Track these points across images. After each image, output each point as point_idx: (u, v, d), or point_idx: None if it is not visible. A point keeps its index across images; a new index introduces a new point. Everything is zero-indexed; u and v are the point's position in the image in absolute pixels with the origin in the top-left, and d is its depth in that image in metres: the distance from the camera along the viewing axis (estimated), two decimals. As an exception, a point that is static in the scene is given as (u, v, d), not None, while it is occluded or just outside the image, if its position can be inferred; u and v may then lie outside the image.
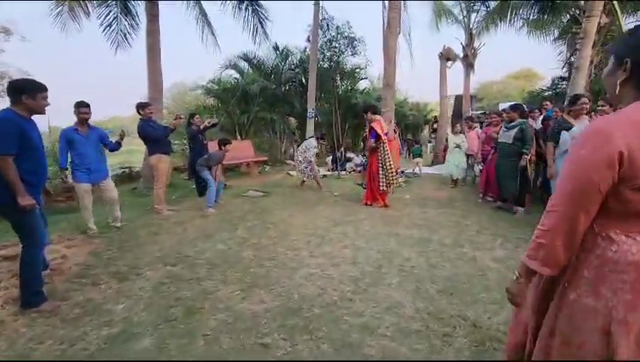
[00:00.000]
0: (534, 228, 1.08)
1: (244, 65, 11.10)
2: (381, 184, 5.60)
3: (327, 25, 11.43)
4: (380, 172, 5.61)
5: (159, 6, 7.58)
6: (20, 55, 46.53)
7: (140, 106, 4.88)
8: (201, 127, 6.26)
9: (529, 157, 4.52)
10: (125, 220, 4.84)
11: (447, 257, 3.38)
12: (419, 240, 3.91)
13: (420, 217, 4.86)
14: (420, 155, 9.51)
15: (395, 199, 5.96)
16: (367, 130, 5.69)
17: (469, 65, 13.30)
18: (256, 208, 5.53)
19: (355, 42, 11.97)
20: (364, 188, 5.92)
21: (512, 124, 4.63)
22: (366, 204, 5.64)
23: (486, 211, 5.10)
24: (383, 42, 7.03)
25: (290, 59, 11.67)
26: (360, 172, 7.22)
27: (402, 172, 8.33)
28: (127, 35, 9.30)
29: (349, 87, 14.24)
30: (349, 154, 10.17)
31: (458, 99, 16.33)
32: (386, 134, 5.62)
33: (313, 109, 10.15)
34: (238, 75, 10.82)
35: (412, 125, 18.13)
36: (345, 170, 9.40)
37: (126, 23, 9.39)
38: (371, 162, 5.63)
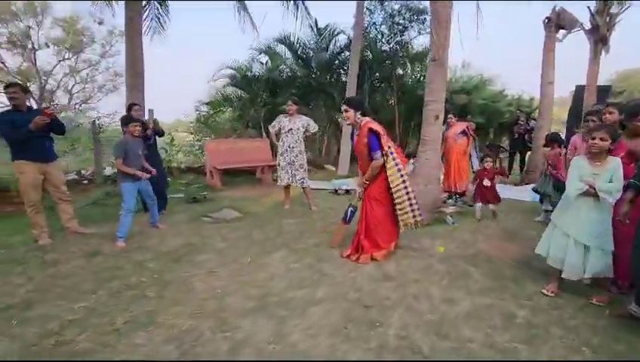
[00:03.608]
0: None
1: (282, 49, 9.35)
2: (401, 220, 3.27)
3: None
4: (398, 207, 3.19)
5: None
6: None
7: (5, 87, 3.45)
8: (149, 128, 4.51)
9: None
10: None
11: None
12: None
13: (432, 317, 2.35)
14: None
15: (415, 252, 3.45)
16: (357, 135, 3.28)
17: (599, 41, 9.15)
18: (189, 244, 3.69)
19: (424, 15, 9.14)
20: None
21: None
22: (348, 257, 3.28)
23: (603, 325, 2.28)
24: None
25: (335, 40, 9.46)
26: (347, 220, 3.52)
27: (459, 196, 5.51)
28: (161, 18, 8.48)
29: (420, 75, 11.36)
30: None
31: (580, 91, 11.57)
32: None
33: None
34: (265, 60, 9.08)
35: (508, 125, 14.06)
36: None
37: (157, 5, 8.56)
38: (374, 196, 3.24)
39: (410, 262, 3.22)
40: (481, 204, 4.67)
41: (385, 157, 3.09)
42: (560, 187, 4.47)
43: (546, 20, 7.33)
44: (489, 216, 4.71)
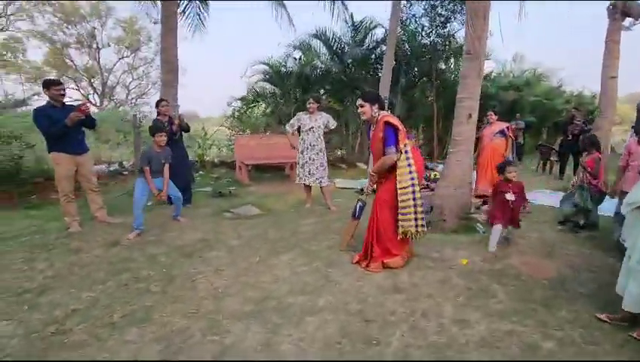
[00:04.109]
0: None
1: (317, 45, 9.21)
2: (401, 226, 2.95)
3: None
4: (401, 211, 2.93)
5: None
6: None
7: (45, 84, 3.64)
8: (175, 123, 4.64)
9: None
10: (36, 232, 3.82)
11: None
12: None
13: (439, 339, 2.11)
14: None
15: (433, 262, 3.17)
16: (374, 129, 3.05)
17: (679, 29, 7.94)
18: (204, 240, 3.71)
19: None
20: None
21: None
22: (358, 263, 3.10)
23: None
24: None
25: (372, 34, 9.11)
26: (356, 216, 3.33)
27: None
28: (201, 16, 8.71)
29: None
30: (431, 164, 7.16)
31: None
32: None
33: (386, 98, 7.54)
34: (298, 56, 9.00)
35: (562, 124, 12.79)
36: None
37: (198, 3, 8.80)
38: (385, 199, 3.01)
39: (426, 274, 2.96)
40: (501, 226, 3.43)
41: (398, 154, 2.86)
42: (598, 200, 3.92)
43: (610, 7, 6.46)
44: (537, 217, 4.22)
